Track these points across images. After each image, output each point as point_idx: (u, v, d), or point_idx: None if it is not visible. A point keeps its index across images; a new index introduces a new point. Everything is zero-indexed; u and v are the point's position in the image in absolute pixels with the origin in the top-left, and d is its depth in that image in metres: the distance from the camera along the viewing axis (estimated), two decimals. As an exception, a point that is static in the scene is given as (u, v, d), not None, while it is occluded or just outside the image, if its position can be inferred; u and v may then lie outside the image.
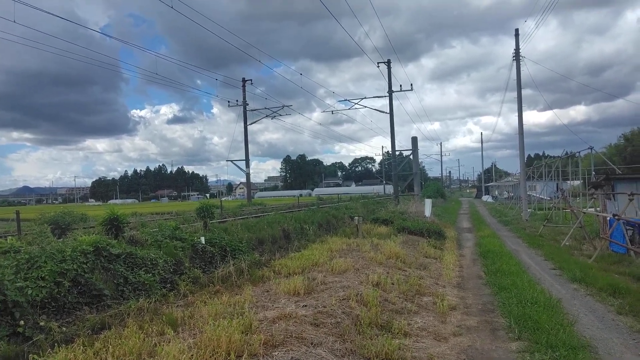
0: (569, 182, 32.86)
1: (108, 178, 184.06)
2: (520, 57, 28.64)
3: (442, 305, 8.39)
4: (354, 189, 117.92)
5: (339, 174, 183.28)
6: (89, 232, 10.17)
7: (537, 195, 39.01)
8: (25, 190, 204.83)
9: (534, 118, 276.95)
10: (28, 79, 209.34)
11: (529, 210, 29.62)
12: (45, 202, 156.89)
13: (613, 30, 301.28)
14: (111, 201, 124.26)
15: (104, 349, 5.24)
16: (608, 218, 14.92)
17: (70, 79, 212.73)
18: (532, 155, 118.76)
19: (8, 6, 14.18)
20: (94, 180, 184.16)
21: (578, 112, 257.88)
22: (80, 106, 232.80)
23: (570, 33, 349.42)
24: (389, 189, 65.87)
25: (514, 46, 28.84)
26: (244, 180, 44.89)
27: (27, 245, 7.95)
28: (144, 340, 5.51)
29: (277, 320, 6.42)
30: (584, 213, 18.21)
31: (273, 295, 8.13)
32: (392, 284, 9.48)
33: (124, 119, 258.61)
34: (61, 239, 9.10)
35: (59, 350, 5.20)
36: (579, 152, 26.98)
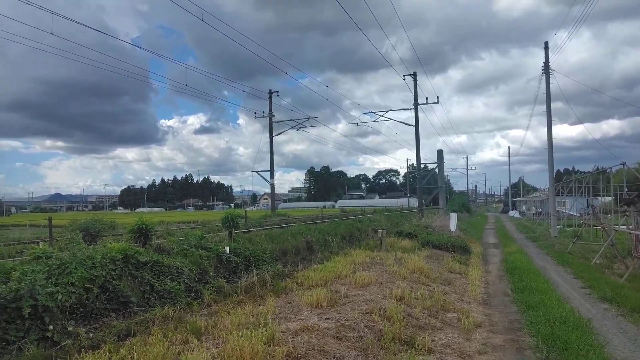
0: (599, 198, 31.98)
1: (136, 186, 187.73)
2: (550, 70, 28.15)
3: (467, 322, 8.24)
4: (377, 201, 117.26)
5: (363, 186, 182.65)
6: (118, 240, 10.40)
7: (567, 212, 38.07)
8: (57, 197, 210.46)
9: (565, 132, 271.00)
10: (62, 89, 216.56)
11: (558, 226, 28.91)
12: (75, 209, 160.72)
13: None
14: (139, 209, 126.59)
15: (129, 356, 5.33)
16: (641, 236, 14.44)
17: (102, 89, 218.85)
18: (562, 170, 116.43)
19: (47, 18, 14.71)
20: (122, 188, 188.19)
21: (611, 126, 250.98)
22: (111, 116, 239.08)
23: (604, 45, 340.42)
24: (413, 202, 65.33)
25: (544, 58, 28.42)
26: (268, 190, 45.24)
27: (58, 251, 8.17)
28: (168, 348, 5.58)
29: (299, 332, 6.42)
30: (616, 231, 17.67)
31: (296, 306, 8.13)
32: (416, 299, 9.37)
33: (153, 128, 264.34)
34: (92, 246, 9.32)
35: (86, 356, 5.32)
36: (611, 167, 26.18)
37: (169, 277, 8.40)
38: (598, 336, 7.57)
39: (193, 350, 5.50)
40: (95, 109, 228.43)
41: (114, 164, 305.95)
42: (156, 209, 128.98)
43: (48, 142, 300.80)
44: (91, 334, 6.19)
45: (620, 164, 23.96)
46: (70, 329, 6.09)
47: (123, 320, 6.84)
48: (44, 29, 15.30)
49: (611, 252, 17.06)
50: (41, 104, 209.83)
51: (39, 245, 10.03)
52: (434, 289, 10.87)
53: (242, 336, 5.81)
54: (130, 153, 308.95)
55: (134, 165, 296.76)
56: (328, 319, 7.22)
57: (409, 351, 6.38)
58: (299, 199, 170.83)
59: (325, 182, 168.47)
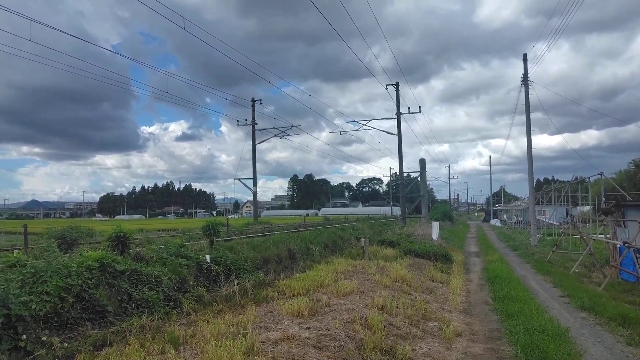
0: (578, 207, 32.56)
1: (116, 194, 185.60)
2: (529, 82, 28.60)
3: (448, 331, 8.26)
4: (360, 209, 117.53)
5: (346, 194, 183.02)
6: (95, 248, 10.19)
7: (546, 221, 38.65)
8: (34, 204, 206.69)
9: (545, 141, 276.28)
10: (40, 94, 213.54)
11: (537, 235, 29.30)
12: (52, 216, 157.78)
13: (625, 54, 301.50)
14: (118, 217, 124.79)
15: (105, 367, 5.20)
16: (618, 245, 14.71)
17: (81, 95, 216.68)
18: (542, 180, 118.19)
19: (25, 24, 14.50)
20: (101, 195, 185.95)
21: (589, 136, 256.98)
22: (90, 122, 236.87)
23: (582, 56, 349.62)
24: (396, 210, 65.62)
25: (523, 70, 28.89)
26: (251, 198, 44.98)
27: (33, 259, 7.97)
28: (145, 358, 5.47)
29: (279, 342, 6.35)
30: (594, 240, 17.98)
31: (276, 316, 8.06)
32: (398, 307, 9.36)
33: (134, 135, 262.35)
34: (67, 254, 9.11)
35: (60, 367, 5.17)
36: (589, 177, 26.78)
37: (147, 286, 8.25)
38: (576, 345, 7.65)
39: (170, 361, 5.40)
40: (74, 115, 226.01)
41: (92, 171, 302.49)
42: (136, 217, 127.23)
43: (25, 148, 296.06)
44: (66, 344, 6.03)
45: (598, 174, 24.49)
46: (44, 338, 5.92)
47: (99, 330, 6.68)
48: (22, 36, 15.04)
49: (589, 261, 17.34)
50: (18, 109, 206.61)
51: (13, 253, 9.77)
52: (416, 297, 10.89)
53: (220, 346, 5.73)
54: (109, 160, 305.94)
55: (113, 172, 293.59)
56: (309, 328, 7.16)
57: (390, 360, 6.36)
58: (282, 207, 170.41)
59: (308, 190, 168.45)
